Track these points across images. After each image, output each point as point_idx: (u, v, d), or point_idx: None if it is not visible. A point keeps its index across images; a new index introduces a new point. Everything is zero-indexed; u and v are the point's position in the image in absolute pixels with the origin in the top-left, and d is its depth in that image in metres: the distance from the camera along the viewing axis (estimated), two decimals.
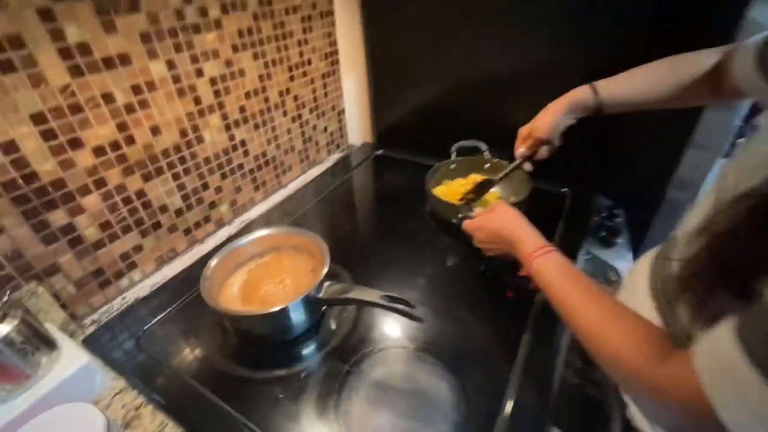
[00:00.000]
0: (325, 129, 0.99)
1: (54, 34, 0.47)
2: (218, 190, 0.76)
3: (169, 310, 0.60)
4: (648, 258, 0.47)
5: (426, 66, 0.90)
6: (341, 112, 1.03)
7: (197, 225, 0.74)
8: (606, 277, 0.62)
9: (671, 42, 0.55)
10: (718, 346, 0.26)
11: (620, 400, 0.48)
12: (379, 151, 1.06)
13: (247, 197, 0.83)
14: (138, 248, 0.64)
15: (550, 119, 0.61)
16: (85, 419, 0.39)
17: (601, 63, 0.61)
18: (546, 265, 0.44)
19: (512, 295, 0.59)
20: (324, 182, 0.93)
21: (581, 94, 0.59)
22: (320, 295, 0.51)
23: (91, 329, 0.57)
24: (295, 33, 0.81)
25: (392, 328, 0.55)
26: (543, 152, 0.66)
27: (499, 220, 0.52)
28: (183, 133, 0.66)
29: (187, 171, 0.68)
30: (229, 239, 0.70)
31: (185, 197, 0.70)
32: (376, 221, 0.85)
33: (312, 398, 0.47)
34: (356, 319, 0.56)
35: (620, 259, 0.67)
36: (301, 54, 0.84)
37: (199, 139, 0.69)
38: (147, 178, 0.62)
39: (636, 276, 0.48)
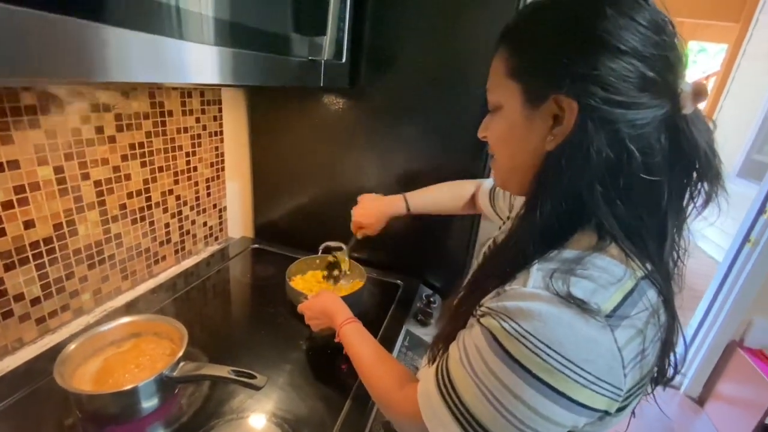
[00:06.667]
0: (205, 224, 1.11)
1: None
2: (83, 279, 0.79)
3: (5, 402, 0.60)
4: None
5: (300, 178, 1.13)
6: (223, 209, 1.17)
7: (53, 314, 0.75)
8: (419, 353, 0.83)
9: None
10: (426, 388, 0.43)
11: None
12: (256, 245, 1.20)
13: (113, 286, 0.87)
14: None
15: (379, 223, 0.87)
16: None
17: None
18: (349, 330, 0.63)
19: (345, 367, 0.75)
20: (198, 272, 1.02)
21: (397, 205, 0.86)
22: (174, 374, 0.60)
23: None
24: (184, 147, 0.97)
25: (239, 401, 0.65)
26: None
27: (323, 301, 0.72)
28: (57, 227, 0.72)
29: (53, 261, 0.73)
30: (87, 328, 0.73)
31: (45, 286, 0.73)
32: (242, 307, 0.96)
33: None
34: (208, 396, 0.65)
35: (432, 336, 0.89)
36: (188, 163, 0.99)
37: (73, 233, 0.75)
38: (9, 267, 0.66)
39: None
